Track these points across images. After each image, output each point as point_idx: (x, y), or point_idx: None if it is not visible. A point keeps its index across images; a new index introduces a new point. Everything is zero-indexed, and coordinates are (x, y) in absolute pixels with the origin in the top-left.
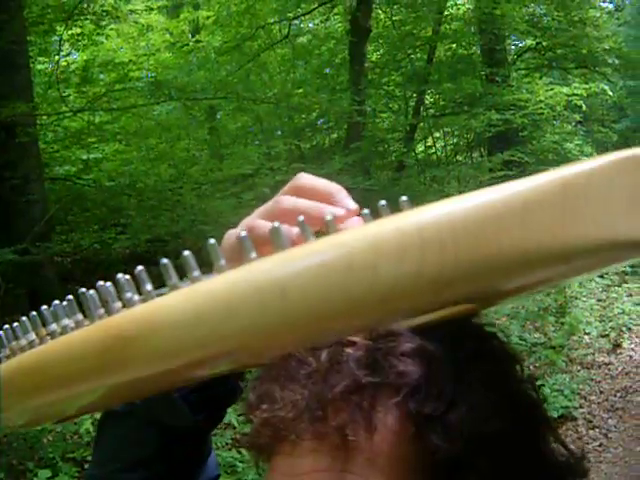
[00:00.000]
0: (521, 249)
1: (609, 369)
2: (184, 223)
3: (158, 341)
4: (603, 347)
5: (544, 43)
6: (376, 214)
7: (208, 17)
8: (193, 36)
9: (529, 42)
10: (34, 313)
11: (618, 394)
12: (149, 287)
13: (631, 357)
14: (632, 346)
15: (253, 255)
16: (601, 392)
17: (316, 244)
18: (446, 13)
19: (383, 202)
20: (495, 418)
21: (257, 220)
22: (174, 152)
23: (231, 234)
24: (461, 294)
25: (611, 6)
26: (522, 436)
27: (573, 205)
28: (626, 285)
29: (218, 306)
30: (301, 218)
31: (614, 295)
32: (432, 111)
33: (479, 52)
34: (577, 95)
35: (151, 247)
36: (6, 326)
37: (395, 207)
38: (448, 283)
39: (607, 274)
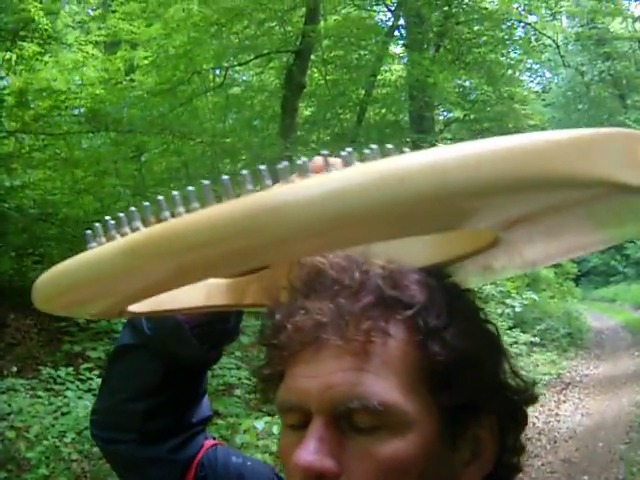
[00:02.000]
0: (543, 174)
1: None
2: None
3: (287, 214)
4: None
5: (472, 115)
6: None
7: (145, 57)
8: (127, 75)
9: (457, 113)
10: (147, 203)
11: None
12: (269, 182)
13: (534, 424)
14: (536, 414)
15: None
16: None
17: (378, 164)
18: (379, 77)
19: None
20: (474, 341)
21: None
22: (101, 186)
23: None
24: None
25: (538, 87)
26: (491, 358)
27: (583, 152)
28: (534, 355)
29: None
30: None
31: (521, 364)
32: None
33: (407, 119)
34: None
35: None
36: (107, 217)
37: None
38: (474, 195)
39: (517, 343)
